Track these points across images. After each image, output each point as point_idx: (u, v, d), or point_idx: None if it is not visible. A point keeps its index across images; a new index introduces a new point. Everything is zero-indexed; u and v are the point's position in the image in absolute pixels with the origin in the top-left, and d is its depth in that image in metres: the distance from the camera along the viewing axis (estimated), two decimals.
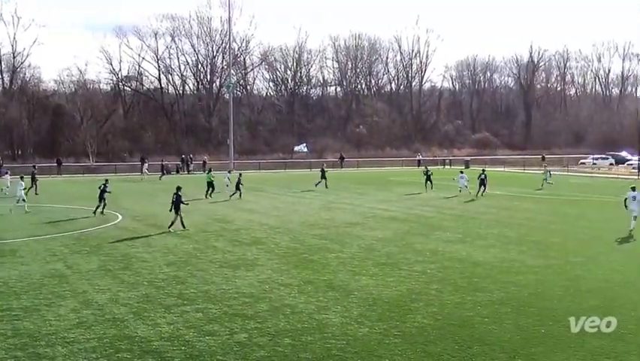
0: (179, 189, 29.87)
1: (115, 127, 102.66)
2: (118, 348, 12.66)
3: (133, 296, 16.71)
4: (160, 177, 66.82)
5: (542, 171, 54.35)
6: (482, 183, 45.02)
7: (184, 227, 28.67)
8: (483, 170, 47.13)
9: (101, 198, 34.78)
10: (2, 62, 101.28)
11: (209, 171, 48.61)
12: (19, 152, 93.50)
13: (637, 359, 11.95)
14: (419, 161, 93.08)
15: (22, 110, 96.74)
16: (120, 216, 33.83)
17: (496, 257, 21.99)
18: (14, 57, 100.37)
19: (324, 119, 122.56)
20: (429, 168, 53.95)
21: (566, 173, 72.75)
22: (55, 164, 75.39)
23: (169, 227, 28.62)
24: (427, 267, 20.32)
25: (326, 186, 51.51)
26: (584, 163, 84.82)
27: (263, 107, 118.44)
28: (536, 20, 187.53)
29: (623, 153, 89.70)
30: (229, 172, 51.59)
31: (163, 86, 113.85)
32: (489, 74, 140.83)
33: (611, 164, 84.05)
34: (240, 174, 45.74)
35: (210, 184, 45.54)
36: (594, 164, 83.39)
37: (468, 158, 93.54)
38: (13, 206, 36.37)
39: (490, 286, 17.59)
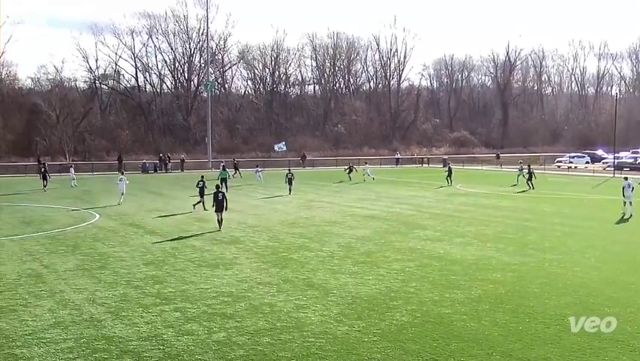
0: (218, 187, 30.03)
1: (92, 126, 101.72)
2: (95, 348, 12.57)
3: (110, 296, 16.60)
4: (234, 174, 64.52)
5: (519, 169, 56.13)
6: (531, 176, 50.05)
7: (220, 227, 28.38)
8: (529, 165, 52.78)
9: (202, 193, 35.87)
10: None
11: (224, 168, 49.49)
12: None
13: (612, 355, 12.08)
14: (397, 159, 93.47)
15: None
16: (97, 215, 33.57)
17: (474, 255, 22.13)
18: None
19: (303, 117, 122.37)
20: (451, 165, 59.73)
21: (542, 171, 73.33)
22: (36, 163, 74.44)
23: (220, 228, 28.33)
24: (405, 265, 20.40)
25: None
26: (560, 162, 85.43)
27: (241, 106, 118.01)
28: (513, 19, 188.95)
29: (599, 152, 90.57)
30: (257, 166, 58.78)
31: (140, 84, 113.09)
32: (466, 73, 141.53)
33: (587, 162, 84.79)
34: (289, 170, 49.45)
35: (224, 180, 46.37)
36: (570, 162, 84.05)
37: (446, 156, 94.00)
38: (121, 199, 39.23)
39: (467, 284, 17.70)
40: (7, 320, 14.43)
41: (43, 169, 52.96)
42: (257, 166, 60.96)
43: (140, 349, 12.55)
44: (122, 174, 42.68)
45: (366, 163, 65.86)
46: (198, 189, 36.61)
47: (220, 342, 12.93)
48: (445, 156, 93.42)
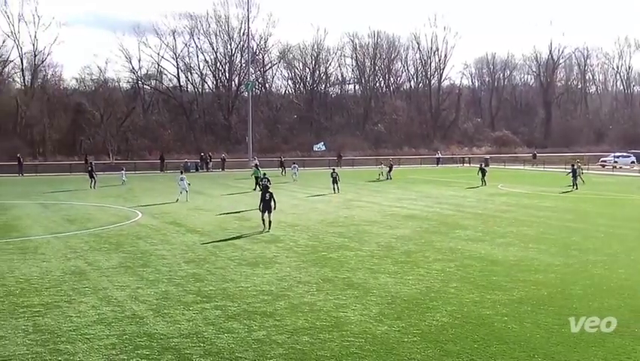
0: (267, 187, 29.54)
1: (134, 125, 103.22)
2: (137, 345, 12.73)
3: (152, 293, 16.79)
4: (281, 172, 67.48)
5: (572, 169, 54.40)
6: (575, 175, 49.67)
7: (265, 226, 27.71)
8: (572, 164, 52.60)
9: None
10: (23, 61, 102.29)
11: (257, 166, 50.16)
12: (40, 150, 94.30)
13: None
14: (438, 159, 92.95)
15: (43, 108, 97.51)
16: (140, 214, 34.02)
17: (516, 255, 21.86)
18: (35, 56, 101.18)
19: (343, 117, 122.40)
20: (484, 165, 58.78)
21: (586, 171, 72.13)
22: (84, 162, 75.78)
23: (266, 228, 27.62)
24: (445, 265, 20.25)
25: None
26: (605, 161, 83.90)
27: (281, 105, 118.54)
28: (556, 17, 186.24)
29: None
30: (294, 164, 60.61)
31: (182, 84, 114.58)
32: (508, 72, 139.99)
33: (633, 162, 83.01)
34: (334, 169, 49.28)
35: (257, 179, 47.01)
36: (615, 162, 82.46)
37: (487, 156, 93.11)
38: (182, 195, 40.64)
39: (509, 285, 17.49)
40: (52, 316, 14.70)
41: (90, 168, 53.91)
42: (293, 163, 61.68)
43: (181, 346, 12.68)
44: (182, 173, 43.98)
45: (382, 163, 66.46)
46: (262, 188, 36.69)
47: (260, 340, 12.99)
48: (487, 156, 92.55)
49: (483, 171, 54.31)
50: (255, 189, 46.78)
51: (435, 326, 13.84)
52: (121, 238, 26.08)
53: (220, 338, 13.15)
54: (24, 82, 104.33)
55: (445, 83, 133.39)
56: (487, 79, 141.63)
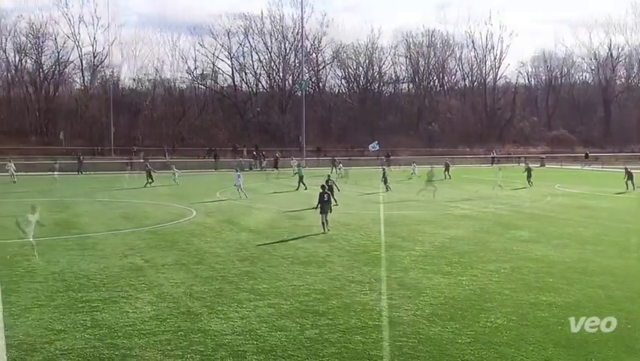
0: (324, 187, 28.71)
1: (190, 125, 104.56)
2: (192, 341, 12.91)
3: (207, 290, 17.00)
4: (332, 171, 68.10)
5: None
6: (631, 177, 47.51)
7: (324, 229, 27.01)
8: (626, 168, 50.50)
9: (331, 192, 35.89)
10: (83, 62, 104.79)
11: (299, 165, 50.55)
12: (99, 149, 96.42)
13: None
14: (493, 158, 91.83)
15: (102, 108, 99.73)
16: (194, 212, 34.47)
17: (572, 257, 21.44)
18: (94, 56, 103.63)
19: (397, 116, 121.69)
20: (530, 165, 57.19)
21: None
22: (142, 160, 77.08)
23: (325, 230, 27.02)
24: (500, 266, 19.98)
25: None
26: None
27: (335, 105, 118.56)
28: (615, 13, 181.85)
29: None
30: (340, 163, 62.02)
31: (236, 84, 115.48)
32: (566, 70, 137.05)
33: None
34: (384, 169, 49.67)
35: (301, 178, 47.50)
36: None
37: (544, 156, 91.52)
38: (243, 193, 41.74)
39: (565, 287, 17.16)
40: (109, 312, 15.02)
41: (148, 169, 54.89)
42: (339, 163, 62.20)
43: (234, 343, 12.81)
44: (237, 171, 44.78)
45: (414, 163, 66.53)
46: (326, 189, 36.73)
47: (312, 339, 13.04)
48: (543, 156, 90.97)
49: (529, 171, 52.92)
50: (301, 189, 46.93)
51: (489, 328, 13.69)
52: (176, 236, 26.47)
53: (273, 335, 13.24)
54: (83, 82, 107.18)
55: (501, 82, 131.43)
56: (543, 77, 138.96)
